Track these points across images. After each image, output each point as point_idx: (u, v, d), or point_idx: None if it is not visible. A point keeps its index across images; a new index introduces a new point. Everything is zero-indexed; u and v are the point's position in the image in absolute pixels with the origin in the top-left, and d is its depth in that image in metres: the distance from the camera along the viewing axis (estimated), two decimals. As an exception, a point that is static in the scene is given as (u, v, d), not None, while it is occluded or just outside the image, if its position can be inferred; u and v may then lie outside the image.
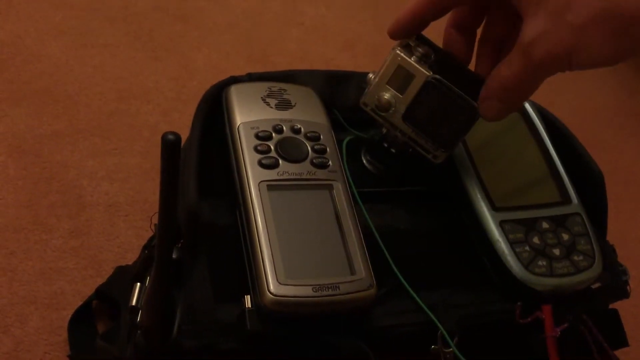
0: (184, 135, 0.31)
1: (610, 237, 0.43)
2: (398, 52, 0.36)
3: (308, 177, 0.35)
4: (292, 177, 0.35)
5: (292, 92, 0.39)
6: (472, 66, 0.38)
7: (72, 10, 0.68)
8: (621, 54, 0.28)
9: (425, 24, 0.36)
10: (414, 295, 0.35)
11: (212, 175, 0.36)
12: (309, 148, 0.36)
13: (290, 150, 0.36)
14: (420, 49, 0.36)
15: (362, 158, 0.41)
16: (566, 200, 0.40)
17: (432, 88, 0.35)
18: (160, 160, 0.25)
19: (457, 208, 0.40)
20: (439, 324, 0.34)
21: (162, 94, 0.64)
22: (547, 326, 0.35)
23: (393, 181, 0.41)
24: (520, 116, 0.44)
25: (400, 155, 0.40)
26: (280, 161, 0.35)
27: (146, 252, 0.38)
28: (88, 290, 0.47)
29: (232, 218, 0.34)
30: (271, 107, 0.38)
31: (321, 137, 0.37)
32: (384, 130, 0.39)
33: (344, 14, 0.86)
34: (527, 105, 0.45)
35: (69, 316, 0.45)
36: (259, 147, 0.35)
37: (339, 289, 0.31)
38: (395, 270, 0.35)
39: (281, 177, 0.34)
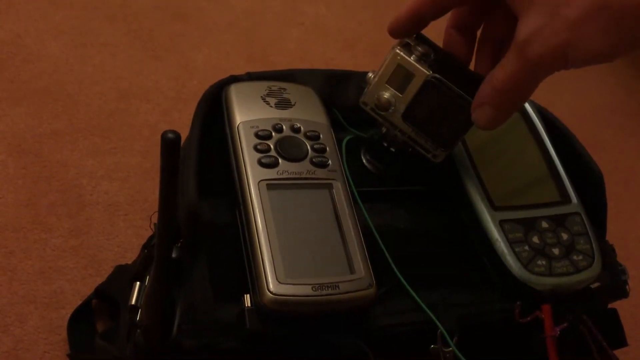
0: (184, 134, 0.31)
1: (610, 237, 0.43)
2: (398, 51, 0.36)
3: (308, 176, 0.35)
4: (291, 176, 0.35)
5: (292, 91, 0.39)
6: (472, 67, 0.38)
7: (72, 10, 0.68)
8: (616, 49, 0.28)
9: (424, 22, 0.35)
10: (414, 294, 0.35)
11: (212, 174, 0.36)
12: (309, 147, 0.36)
13: (289, 150, 0.36)
14: (420, 48, 0.36)
15: (362, 157, 0.41)
16: (566, 199, 0.40)
17: (431, 87, 0.35)
18: (160, 159, 0.25)
19: (457, 207, 0.40)
20: (438, 323, 0.34)
21: (162, 93, 0.64)
22: (547, 326, 0.35)
23: (393, 181, 0.41)
24: (520, 116, 0.44)
25: (400, 155, 0.40)
26: (280, 160, 0.35)
27: (146, 251, 0.38)
28: (87, 289, 0.47)
29: (231, 217, 0.34)
30: (271, 106, 0.38)
31: (321, 136, 0.37)
32: (384, 130, 0.39)
33: (344, 13, 0.86)
34: (527, 105, 0.45)
35: (69, 315, 0.45)
36: (258, 146, 0.35)
37: (339, 288, 0.31)
38: (395, 269, 0.35)
39: (281, 176, 0.34)
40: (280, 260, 0.31)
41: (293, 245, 0.32)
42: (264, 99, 0.38)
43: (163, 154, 0.25)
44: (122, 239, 0.51)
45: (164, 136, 0.24)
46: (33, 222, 0.50)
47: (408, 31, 0.36)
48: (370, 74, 0.38)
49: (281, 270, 0.31)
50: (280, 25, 0.79)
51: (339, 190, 0.35)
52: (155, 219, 0.29)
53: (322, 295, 0.31)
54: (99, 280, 0.47)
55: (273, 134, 0.36)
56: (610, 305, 0.42)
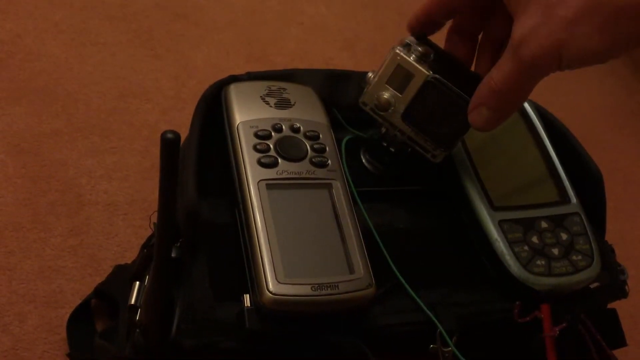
0: (184, 134, 0.31)
1: (610, 237, 0.43)
2: (397, 51, 0.36)
3: (307, 176, 0.35)
4: (291, 176, 0.35)
5: (292, 91, 0.39)
6: (473, 68, 0.38)
7: (72, 9, 0.68)
8: (611, 48, 0.28)
9: (438, 23, 0.36)
10: (413, 294, 0.35)
11: (211, 174, 0.36)
12: (308, 147, 0.36)
13: (289, 149, 0.36)
14: (419, 48, 0.36)
15: (362, 157, 0.41)
16: (565, 199, 0.40)
17: (431, 88, 0.35)
18: (159, 159, 0.25)
19: (456, 207, 0.40)
20: (437, 323, 0.34)
21: (161, 92, 0.64)
22: (546, 325, 0.35)
23: (392, 181, 0.41)
24: (519, 116, 0.44)
25: (400, 155, 0.40)
26: (280, 160, 0.35)
27: (145, 251, 0.38)
28: (87, 289, 0.47)
29: (231, 217, 0.34)
30: (270, 106, 0.38)
31: (320, 136, 0.37)
32: (383, 130, 0.39)
33: (344, 13, 0.86)
34: (526, 105, 0.45)
35: (68, 315, 0.45)
36: (258, 146, 0.35)
37: (338, 287, 0.31)
38: (394, 269, 0.35)
39: (280, 176, 0.34)
40: (279, 260, 0.31)
41: (292, 245, 0.32)
42: (263, 99, 0.38)
43: (163, 154, 0.25)
44: (122, 238, 0.51)
45: (163, 136, 0.24)
46: (32, 221, 0.50)
47: (425, 30, 0.36)
48: (370, 74, 0.38)
49: (281, 270, 0.31)
50: (280, 24, 0.79)
51: (339, 190, 0.35)
52: (154, 219, 0.29)
53: (321, 295, 0.31)
54: (98, 279, 0.47)
55: (273, 133, 0.36)
56: (609, 306, 0.42)
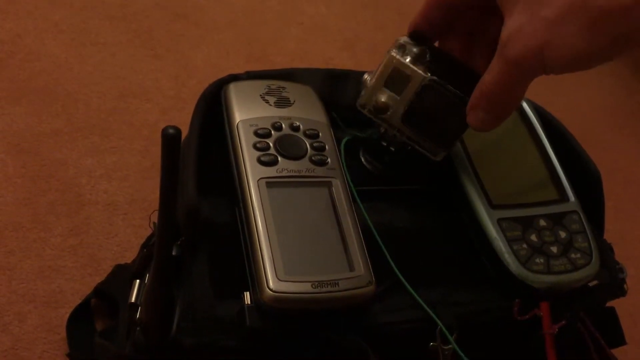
0: (184, 133, 0.31)
1: (609, 237, 0.43)
2: (393, 54, 0.36)
3: (307, 174, 0.35)
4: (291, 174, 0.35)
5: (291, 90, 0.39)
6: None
7: (72, 9, 0.68)
8: (595, 51, 0.27)
9: (437, 28, 0.35)
10: (412, 291, 0.35)
11: (211, 172, 0.36)
12: (308, 145, 0.36)
13: (289, 148, 0.36)
14: (415, 49, 0.35)
15: (361, 157, 0.41)
16: (563, 198, 0.40)
17: (429, 89, 0.35)
18: (160, 156, 0.25)
19: (456, 206, 0.40)
20: (437, 320, 0.34)
21: (161, 92, 0.64)
22: (545, 323, 0.35)
23: (392, 180, 0.41)
24: (518, 115, 0.44)
25: (399, 154, 0.40)
26: (279, 158, 0.35)
27: (145, 250, 0.38)
28: (87, 288, 0.47)
29: (231, 215, 0.35)
30: (270, 105, 0.38)
31: (320, 134, 0.37)
32: (382, 129, 0.39)
33: (344, 13, 0.86)
34: (525, 105, 0.45)
35: (68, 314, 0.45)
36: (258, 145, 0.35)
37: (338, 285, 0.31)
38: (394, 267, 0.35)
39: (280, 174, 0.35)
40: (280, 257, 0.31)
41: (293, 243, 0.32)
42: (263, 98, 0.38)
43: (164, 150, 0.25)
44: (121, 238, 0.51)
45: (164, 132, 0.24)
46: (32, 221, 0.50)
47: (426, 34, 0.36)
48: (366, 76, 0.37)
49: (281, 268, 0.31)
50: (280, 24, 0.79)
51: (339, 188, 0.35)
52: (154, 218, 0.29)
53: (321, 293, 0.31)
54: (98, 279, 0.47)
55: (272, 132, 0.36)
56: (608, 304, 0.42)
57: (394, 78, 0.36)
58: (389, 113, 0.37)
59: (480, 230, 0.38)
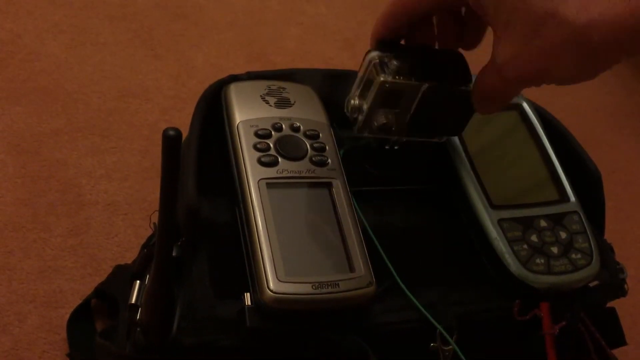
0: (184, 133, 0.31)
1: (610, 237, 0.43)
2: (383, 79, 0.34)
3: (307, 175, 0.35)
4: (291, 175, 0.35)
5: (292, 90, 0.39)
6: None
7: (72, 9, 0.68)
8: (588, 74, 0.28)
9: (403, 32, 0.35)
10: (409, 293, 0.35)
11: (212, 173, 0.36)
12: (308, 146, 0.36)
13: (289, 148, 0.36)
14: (395, 62, 0.34)
15: (360, 157, 0.41)
16: (564, 198, 0.40)
17: (429, 96, 0.35)
18: (160, 156, 0.25)
19: (456, 206, 0.40)
20: (435, 323, 0.34)
21: (161, 92, 0.64)
22: (545, 324, 0.35)
23: (391, 180, 0.41)
24: (518, 115, 0.44)
25: (398, 154, 0.40)
26: (280, 159, 0.35)
27: (145, 251, 0.38)
28: (87, 289, 0.47)
29: (231, 216, 0.35)
30: (270, 106, 0.38)
31: (320, 135, 0.37)
32: (388, 145, 0.39)
33: (344, 13, 0.86)
34: (525, 105, 0.45)
35: (68, 315, 0.45)
36: (258, 145, 0.35)
37: (339, 286, 0.31)
38: (391, 268, 0.35)
39: (280, 175, 0.35)
40: (280, 258, 0.31)
41: (293, 244, 0.32)
42: (263, 98, 0.38)
43: (164, 152, 0.25)
44: (122, 238, 0.51)
45: (165, 133, 0.24)
46: (32, 221, 0.50)
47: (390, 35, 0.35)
48: (353, 101, 0.36)
49: (281, 269, 0.31)
50: (280, 24, 0.79)
51: (339, 188, 0.35)
52: (155, 218, 0.29)
53: (322, 294, 0.31)
54: (98, 279, 0.47)
55: (273, 133, 0.36)
56: (608, 304, 0.42)
57: (389, 98, 0.35)
58: (393, 129, 0.36)
59: (480, 230, 0.38)
